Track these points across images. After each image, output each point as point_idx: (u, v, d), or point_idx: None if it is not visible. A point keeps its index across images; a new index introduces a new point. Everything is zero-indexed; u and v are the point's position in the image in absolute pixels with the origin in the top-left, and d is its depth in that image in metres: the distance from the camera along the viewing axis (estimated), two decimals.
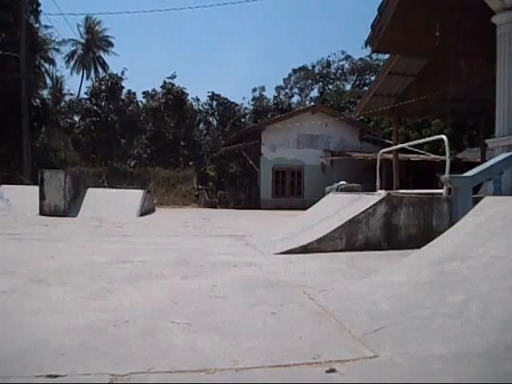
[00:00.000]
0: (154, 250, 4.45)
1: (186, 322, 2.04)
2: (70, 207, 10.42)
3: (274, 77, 73.00)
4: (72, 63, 38.86)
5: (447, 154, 5.30)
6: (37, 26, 26.44)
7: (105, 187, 15.71)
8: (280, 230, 5.77)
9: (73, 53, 38.86)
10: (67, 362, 1.56)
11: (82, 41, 38.59)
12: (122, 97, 31.57)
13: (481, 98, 13.19)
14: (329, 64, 42.51)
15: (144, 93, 33.89)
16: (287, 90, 43.78)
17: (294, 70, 43.34)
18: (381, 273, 2.70)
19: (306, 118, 21.72)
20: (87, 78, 38.55)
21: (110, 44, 39.46)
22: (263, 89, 40.99)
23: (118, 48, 53.75)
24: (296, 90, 43.76)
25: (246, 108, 36.77)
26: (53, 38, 32.15)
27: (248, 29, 76.50)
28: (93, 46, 39.04)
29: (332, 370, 1.51)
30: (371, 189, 6.52)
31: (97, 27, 38.67)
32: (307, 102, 39.52)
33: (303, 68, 43.05)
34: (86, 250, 4.50)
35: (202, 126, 35.76)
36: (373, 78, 24.48)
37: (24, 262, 3.61)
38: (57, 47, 34.42)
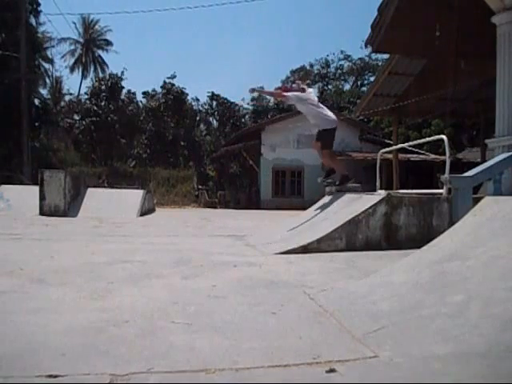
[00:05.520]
0: (154, 250, 4.45)
1: (186, 322, 2.04)
2: (70, 207, 10.41)
3: (275, 76, 73.07)
4: (71, 62, 38.90)
5: (447, 153, 5.30)
6: (37, 25, 26.48)
7: (105, 187, 15.70)
8: (280, 230, 5.76)
9: (72, 52, 38.89)
10: (67, 361, 1.56)
11: (81, 40, 38.58)
12: (122, 97, 31.58)
13: (481, 97, 13.19)
14: (328, 64, 42.52)
15: (144, 93, 33.98)
16: None
17: (293, 71, 43.29)
18: (381, 273, 2.70)
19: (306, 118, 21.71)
20: (85, 78, 38.59)
21: (109, 43, 39.49)
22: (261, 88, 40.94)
23: (117, 48, 53.86)
24: None
25: (245, 108, 36.79)
26: (52, 38, 32.22)
27: (248, 28, 76.54)
28: (92, 45, 39.02)
29: (332, 370, 1.50)
30: (371, 189, 6.52)
31: (95, 26, 38.69)
32: None
33: (302, 68, 43.01)
34: (86, 249, 4.49)
35: (202, 126, 35.80)
36: (372, 78, 24.47)
37: (24, 262, 3.61)
38: (56, 46, 34.51)
